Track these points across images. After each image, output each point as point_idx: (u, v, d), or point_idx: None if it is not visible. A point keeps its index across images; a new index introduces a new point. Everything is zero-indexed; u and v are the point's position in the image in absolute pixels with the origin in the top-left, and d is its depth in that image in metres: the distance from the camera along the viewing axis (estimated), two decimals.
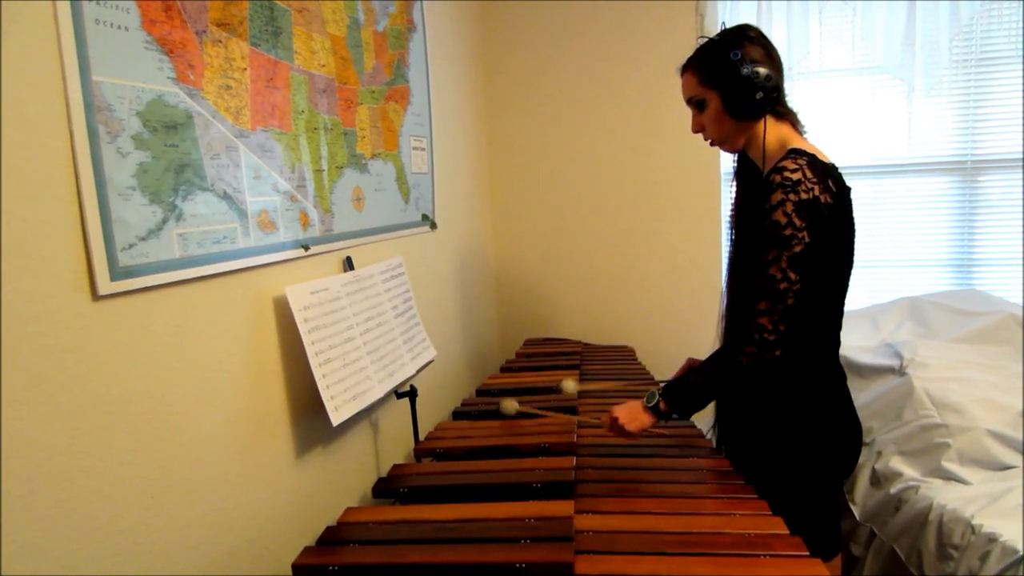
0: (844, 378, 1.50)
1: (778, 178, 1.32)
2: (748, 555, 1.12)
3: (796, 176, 1.32)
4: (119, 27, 1.02)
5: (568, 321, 3.06)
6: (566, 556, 1.10)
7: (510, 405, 1.84)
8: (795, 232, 1.31)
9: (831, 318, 1.45)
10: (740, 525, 1.22)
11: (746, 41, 1.38)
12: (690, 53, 1.48)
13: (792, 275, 1.31)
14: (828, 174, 1.36)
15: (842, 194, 1.40)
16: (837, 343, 1.50)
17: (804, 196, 1.31)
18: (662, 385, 1.49)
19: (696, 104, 1.48)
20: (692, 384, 1.44)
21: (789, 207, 1.30)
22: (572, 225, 2.99)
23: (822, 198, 1.32)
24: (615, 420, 1.48)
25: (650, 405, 1.45)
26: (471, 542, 1.18)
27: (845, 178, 1.44)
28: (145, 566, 1.08)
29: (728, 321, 1.54)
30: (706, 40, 1.45)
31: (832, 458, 1.49)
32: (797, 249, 1.31)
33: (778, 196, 1.31)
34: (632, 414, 1.47)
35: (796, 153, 1.36)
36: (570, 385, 1.92)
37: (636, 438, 1.49)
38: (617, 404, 1.50)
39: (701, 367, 1.47)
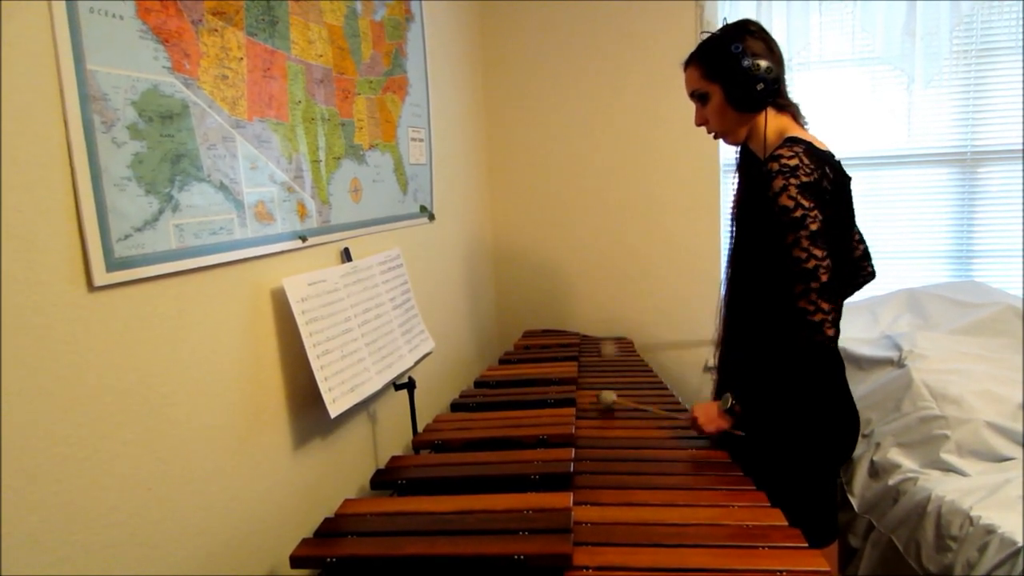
0: (843, 367, 1.51)
1: (775, 166, 1.33)
2: (746, 547, 1.13)
3: (793, 162, 1.33)
4: (114, 16, 1.01)
5: (567, 313, 3.06)
6: (564, 548, 1.10)
7: (608, 396, 1.82)
8: (806, 212, 1.31)
9: None
10: (738, 517, 1.22)
11: (747, 35, 1.40)
12: (693, 47, 1.49)
13: (817, 252, 1.30)
14: (825, 161, 1.37)
15: (840, 182, 1.40)
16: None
17: (805, 179, 1.32)
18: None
19: (699, 97, 1.49)
20: (757, 384, 1.45)
21: (793, 191, 1.31)
22: (571, 217, 2.98)
23: (823, 183, 1.33)
24: (695, 420, 1.53)
25: (726, 408, 1.48)
26: (469, 534, 1.18)
27: (845, 168, 1.44)
28: (142, 557, 1.08)
29: (727, 312, 1.56)
30: (708, 35, 1.46)
31: (830, 446, 1.50)
32: (813, 227, 1.31)
33: (779, 182, 1.32)
34: (709, 416, 1.51)
35: (792, 141, 1.37)
36: (608, 396, 1.83)
37: (713, 437, 1.54)
38: (697, 404, 1.56)
39: (760, 368, 1.44)
